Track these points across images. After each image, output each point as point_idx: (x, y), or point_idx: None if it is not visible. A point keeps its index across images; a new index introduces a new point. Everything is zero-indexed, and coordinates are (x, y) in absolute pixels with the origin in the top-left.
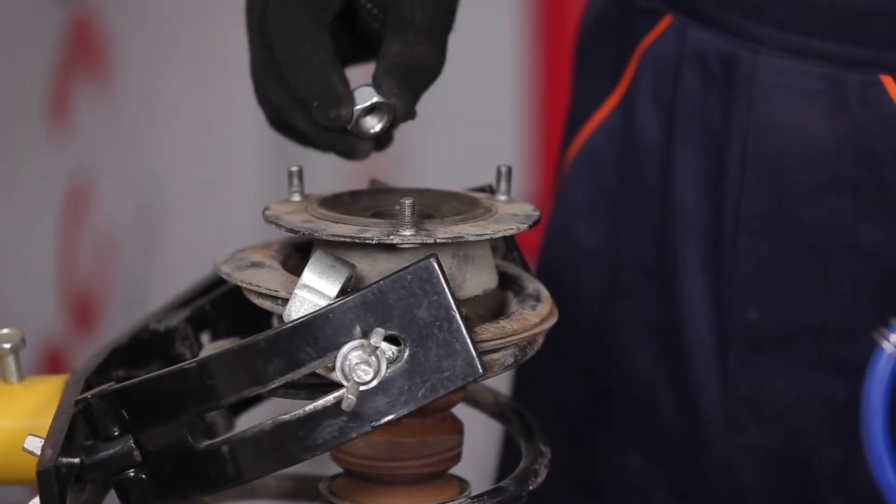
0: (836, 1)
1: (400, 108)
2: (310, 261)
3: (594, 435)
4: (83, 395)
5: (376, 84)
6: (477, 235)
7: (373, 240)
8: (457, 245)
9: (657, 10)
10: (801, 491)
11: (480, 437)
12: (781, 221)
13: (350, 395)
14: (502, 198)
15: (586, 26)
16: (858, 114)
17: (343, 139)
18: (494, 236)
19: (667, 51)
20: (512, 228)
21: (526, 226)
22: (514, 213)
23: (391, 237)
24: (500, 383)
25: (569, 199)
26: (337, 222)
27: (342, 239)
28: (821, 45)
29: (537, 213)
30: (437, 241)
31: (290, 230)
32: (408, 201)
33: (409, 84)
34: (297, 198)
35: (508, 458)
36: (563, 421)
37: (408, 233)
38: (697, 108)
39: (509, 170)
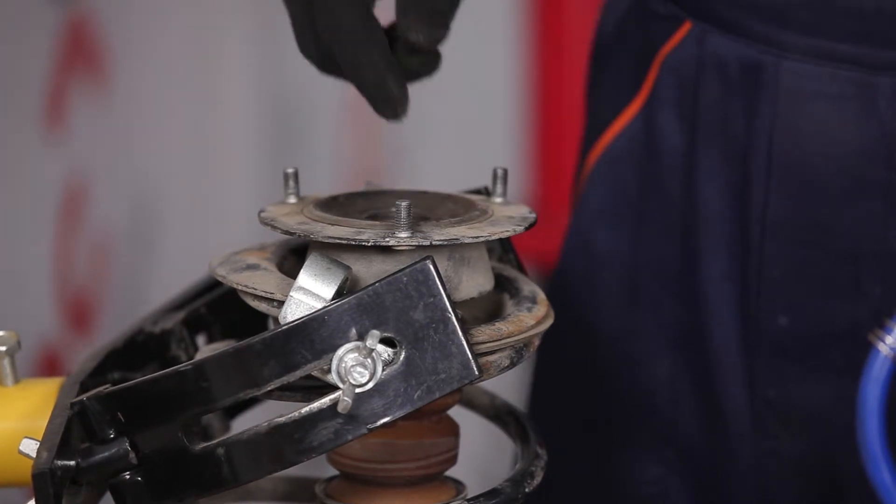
0: (864, 4)
1: (426, 43)
2: (305, 263)
3: (614, 443)
4: (79, 398)
5: (403, 26)
6: (473, 237)
7: (368, 242)
8: (452, 247)
9: (676, 17)
10: (829, 498)
11: (477, 439)
12: (809, 227)
13: (346, 398)
14: (498, 200)
15: (604, 32)
16: (888, 117)
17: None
18: (491, 238)
19: (687, 58)
20: (508, 230)
21: (522, 228)
22: (510, 216)
23: (387, 239)
24: (497, 386)
25: (589, 206)
26: (333, 224)
27: (338, 241)
28: (849, 49)
29: (533, 215)
30: (433, 243)
31: (286, 232)
32: (403, 203)
33: (432, 17)
34: (292, 199)
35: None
36: (583, 429)
37: (403, 235)
38: (719, 116)
39: (505, 172)
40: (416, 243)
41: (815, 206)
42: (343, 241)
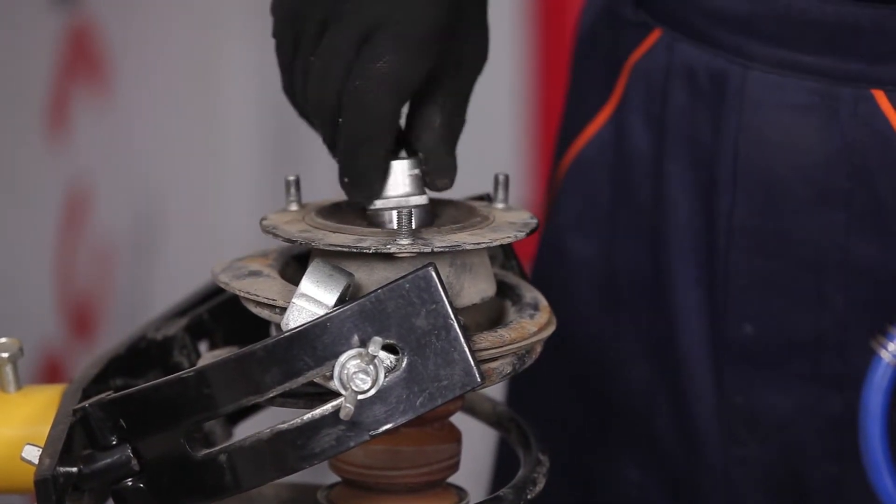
0: (827, 16)
1: (449, 183)
2: (308, 270)
3: (592, 447)
4: (81, 405)
5: (428, 153)
6: (474, 244)
7: (370, 249)
8: (454, 254)
9: (646, 24)
10: None
11: (478, 445)
12: (773, 236)
13: (348, 404)
14: (500, 206)
15: (580, 38)
16: (850, 128)
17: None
18: (492, 245)
19: (656, 65)
20: (509, 237)
21: (524, 234)
22: (511, 222)
23: (388, 246)
24: (498, 393)
25: (562, 212)
26: (335, 231)
27: (340, 248)
28: (812, 60)
29: (535, 220)
30: (435, 250)
31: (288, 240)
32: (405, 210)
33: (453, 156)
34: (294, 207)
35: (503, 466)
36: (560, 433)
37: (405, 242)
38: (687, 123)
39: (507, 178)
40: (418, 250)
41: (779, 216)
42: (345, 249)
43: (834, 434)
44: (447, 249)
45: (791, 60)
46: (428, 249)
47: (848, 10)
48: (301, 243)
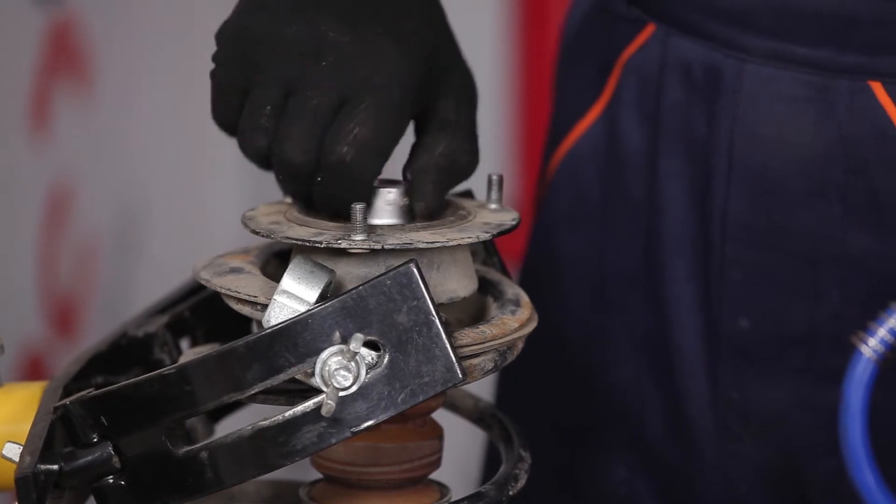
0: (823, 7)
1: (424, 208)
2: (289, 266)
3: (580, 445)
4: (62, 402)
5: (415, 174)
6: (428, 243)
7: (321, 244)
8: (420, 251)
9: (639, 20)
10: (794, 499)
11: (460, 442)
12: (769, 230)
13: (329, 401)
14: (493, 206)
15: (568, 35)
16: (846, 121)
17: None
18: (447, 245)
19: (650, 61)
20: (471, 237)
21: (488, 235)
22: (486, 222)
23: (339, 241)
24: (481, 389)
25: (552, 208)
26: (301, 225)
27: (295, 242)
28: (808, 52)
29: (514, 222)
30: (385, 247)
31: (253, 231)
32: (359, 206)
33: (442, 186)
34: None
35: (492, 463)
36: (549, 430)
37: (358, 238)
38: (682, 118)
39: (500, 178)
40: (368, 247)
41: (774, 209)
42: (299, 242)
43: (829, 427)
44: (398, 247)
45: (787, 53)
46: (378, 246)
47: (846, 2)
48: (262, 235)
